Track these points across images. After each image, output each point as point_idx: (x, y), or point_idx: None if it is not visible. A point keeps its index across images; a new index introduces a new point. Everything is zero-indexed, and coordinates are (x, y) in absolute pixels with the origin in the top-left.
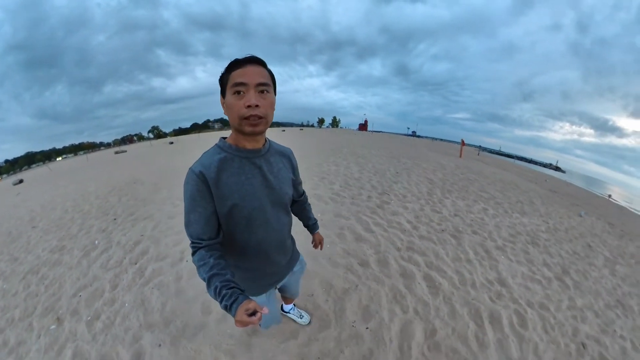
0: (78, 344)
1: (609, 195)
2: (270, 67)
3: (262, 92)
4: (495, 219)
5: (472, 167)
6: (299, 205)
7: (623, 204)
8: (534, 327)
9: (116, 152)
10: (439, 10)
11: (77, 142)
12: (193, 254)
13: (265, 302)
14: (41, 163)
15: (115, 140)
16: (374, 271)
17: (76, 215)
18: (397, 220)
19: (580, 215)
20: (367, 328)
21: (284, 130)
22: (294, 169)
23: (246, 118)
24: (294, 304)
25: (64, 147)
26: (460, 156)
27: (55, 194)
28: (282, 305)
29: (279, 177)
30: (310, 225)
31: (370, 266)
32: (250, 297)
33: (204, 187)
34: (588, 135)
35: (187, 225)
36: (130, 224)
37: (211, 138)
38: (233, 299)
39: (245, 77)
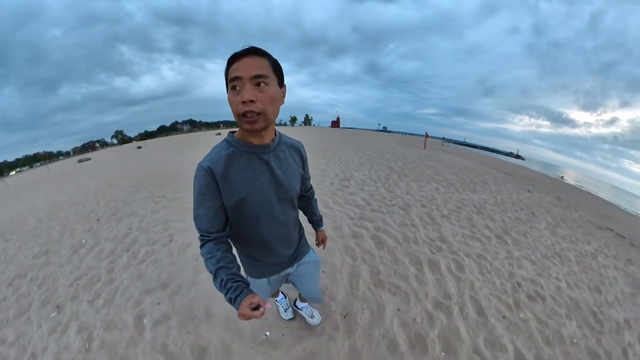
0: (82, 320)
1: (562, 177)
2: None
3: (259, 84)
4: (445, 195)
5: (433, 156)
6: (305, 200)
7: (573, 183)
8: (471, 271)
9: (79, 161)
10: (410, 11)
11: (31, 153)
12: (201, 246)
13: (266, 285)
14: None
15: (75, 148)
16: (329, 234)
17: (53, 223)
18: (354, 198)
19: (529, 191)
20: (322, 272)
21: None
22: (304, 163)
23: (243, 115)
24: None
25: (17, 160)
26: (425, 147)
27: (21, 208)
28: (295, 301)
29: (287, 173)
30: (315, 222)
31: (326, 231)
32: (251, 278)
33: (212, 181)
34: (545, 126)
35: (196, 218)
36: (115, 222)
37: (181, 141)
38: (238, 292)
39: (240, 70)
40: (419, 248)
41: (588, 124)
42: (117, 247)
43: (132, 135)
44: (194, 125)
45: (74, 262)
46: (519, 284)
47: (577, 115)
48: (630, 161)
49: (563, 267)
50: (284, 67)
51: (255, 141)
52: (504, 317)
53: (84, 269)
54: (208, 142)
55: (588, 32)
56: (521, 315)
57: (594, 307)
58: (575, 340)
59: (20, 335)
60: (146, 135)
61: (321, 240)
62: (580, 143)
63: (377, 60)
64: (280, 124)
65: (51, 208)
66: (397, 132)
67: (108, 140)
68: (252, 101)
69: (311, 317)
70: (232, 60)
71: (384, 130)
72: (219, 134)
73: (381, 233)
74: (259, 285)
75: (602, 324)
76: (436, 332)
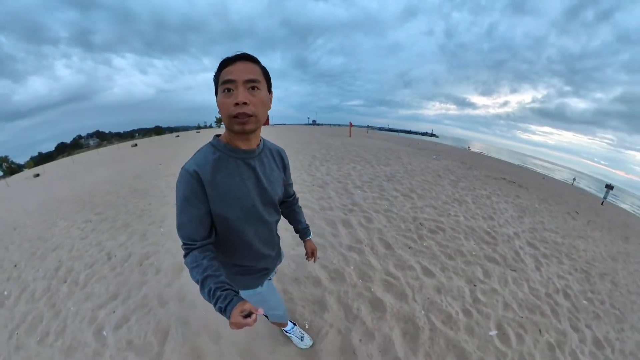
0: None
1: (468, 147)
2: (154, 60)
3: (252, 88)
4: (360, 171)
5: (356, 142)
6: (289, 206)
7: (477, 151)
8: (379, 221)
9: None
10: (338, 9)
11: None
12: (185, 255)
13: (264, 293)
14: None
15: None
16: None
17: None
18: None
19: (435, 158)
20: None
21: (178, 136)
22: (285, 169)
23: (235, 116)
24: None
25: None
26: (350, 136)
27: None
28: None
29: (270, 178)
30: (302, 230)
31: None
32: (248, 290)
33: (198, 186)
34: (452, 109)
35: (180, 227)
36: (38, 261)
37: (90, 159)
38: (228, 301)
39: (234, 74)
40: (333, 213)
41: (487, 106)
42: (51, 282)
43: (21, 161)
44: (103, 138)
45: (3, 315)
46: (421, 224)
47: (478, 99)
48: (520, 131)
49: (461, 207)
50: (207, 62)
51: (243, 145)
52: (409, 248)
53: (19, 317)
54: (125, 156)
55: (486, 37)
56: (424, 244)
57: (488, 229)
58: (474, 253)
59: None
60: (42, 159)
61: (311, 253)
62: (481, 121)
63: (306, 56)
64: (205, 127)
65: None
66: (326, 125)
67: None
68: (245, 103)
69: (300, 340)
70: (225, 64)
71: (314, 123)
72: (136, 145)
73: (302, 208)
74: (256, 297)
75: (495, 239)
76: (352, 267)
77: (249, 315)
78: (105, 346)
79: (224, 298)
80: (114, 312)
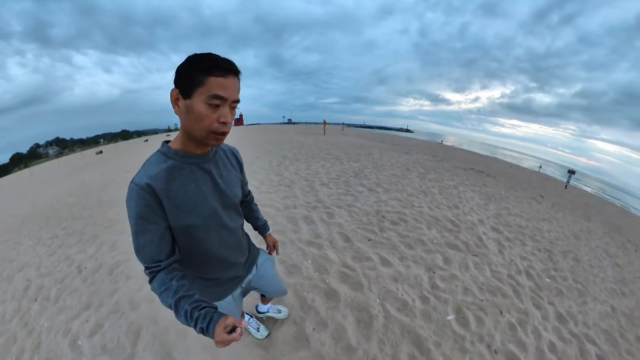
0: None
1: (442, 141)
2: (119, 57)
3: (233, 107)
4: (329, 169)
5: (329, 140)
6: (246, 206)
7: (451, 144)
8: (341, 216)
9: None
10: (314, 6)
11: None
12: (151, 280)
13: (232, 303)
14: None
15: None
16: None
17: None
18: None
19: (406, 153)
20: None
21: (146, 141)
22: (241, 168)
23: (214, 132)
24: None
25: None
26: (324, 134)
27: None
28: (257, 307)
29: (227, 180)
30: (260, 227)
31: None
32: (217, 302)
33: (153, 200)
34: (426, 105)
35: (139, 250)
36: (4, 283)
37: (51, 170)
38: (208, 319)
39: (227, 91)
40: (296, 211)
41: (459, 102)
42: (21, 302)
43: None
44: (64, 146)
45: None
46: (383, 216)
47: (451, 95)
48: (490, 124)
49: (426, 198)
50: (176, 59)
51: (199, 151)
52: (369, 240)
53: None
54: (90, 165)
55: (458, 36)
56: (384, 236)
57: (452, 218)
58: (435, 241)
59: None
60: None
61: (272, 246)
62: (454, 116)
63: (280, 53)
64: (175, 130)
65: None
66: (302, 123)
67: None
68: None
69: (278, 313)
70: (215, 70)
71: (289, 122)
72: (101, 152)
73: (266, 207)
74: (225, 307)
75: (459, 227)
76: (309, 261)
77: (233, 329)
78: (81, 354)
79: (203, 317)
80: (87, 321)
